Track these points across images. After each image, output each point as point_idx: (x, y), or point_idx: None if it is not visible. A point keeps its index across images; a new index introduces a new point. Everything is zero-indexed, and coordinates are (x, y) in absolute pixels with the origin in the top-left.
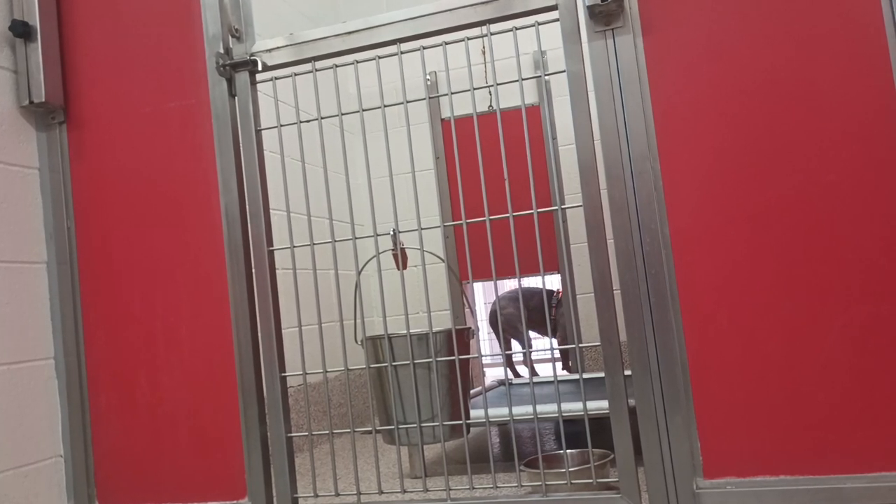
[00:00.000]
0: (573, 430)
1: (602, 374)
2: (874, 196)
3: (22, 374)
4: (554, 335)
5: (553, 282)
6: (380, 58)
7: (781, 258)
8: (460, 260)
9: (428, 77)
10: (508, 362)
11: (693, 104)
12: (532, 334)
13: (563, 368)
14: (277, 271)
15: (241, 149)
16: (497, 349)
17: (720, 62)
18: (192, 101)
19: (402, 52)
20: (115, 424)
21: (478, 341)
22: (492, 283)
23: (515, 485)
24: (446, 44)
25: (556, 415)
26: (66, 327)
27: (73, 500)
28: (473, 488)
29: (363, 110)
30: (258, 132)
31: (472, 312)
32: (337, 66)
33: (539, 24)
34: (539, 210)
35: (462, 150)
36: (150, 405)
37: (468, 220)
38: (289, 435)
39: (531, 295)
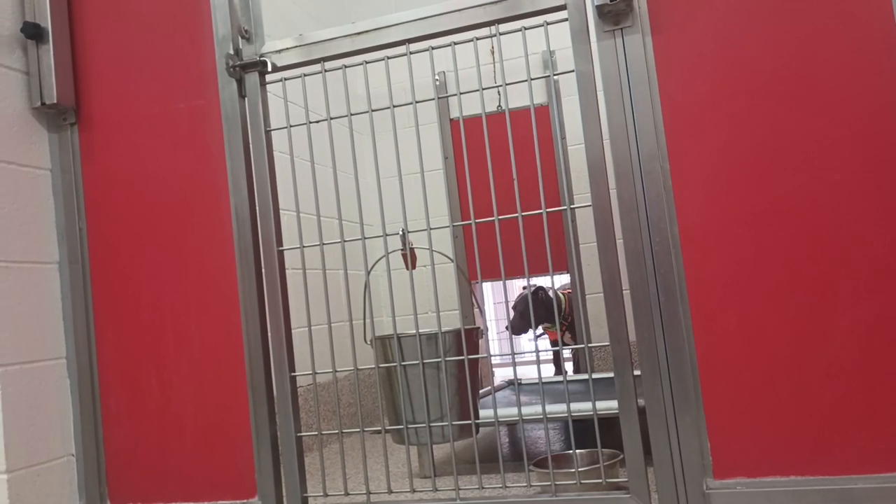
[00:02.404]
0: (582, 430)
1: (611, 374)
2: (880, 195)
3: (34, 374)
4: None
5: (562, 281)
6: (389, 58)
7: (789, 257)
8: (469, 260)
9: (437, 77)
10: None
11: (701, 103)
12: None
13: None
14: (287, 271)
15: (251, 149)
16: (507, 349)
17: (728, 61)
18: (203, 101)
19: (410, 53)
20: (126, 423)
21: (487, 341)
22: (500, 282)
23: (525, 485)
24: (455, 44)
25: (566, 415)
26: (77, 327)
27: (85, 499)
28: (483, 488)
29: (372, 110)
30: (268, 132)
31: (481, 312)
32: (346, 67)
33: (548, 23)
34: (548, 210)
35: (471, 150)
36: (161, 404)
37: (477, 220)
38: (298, 434)
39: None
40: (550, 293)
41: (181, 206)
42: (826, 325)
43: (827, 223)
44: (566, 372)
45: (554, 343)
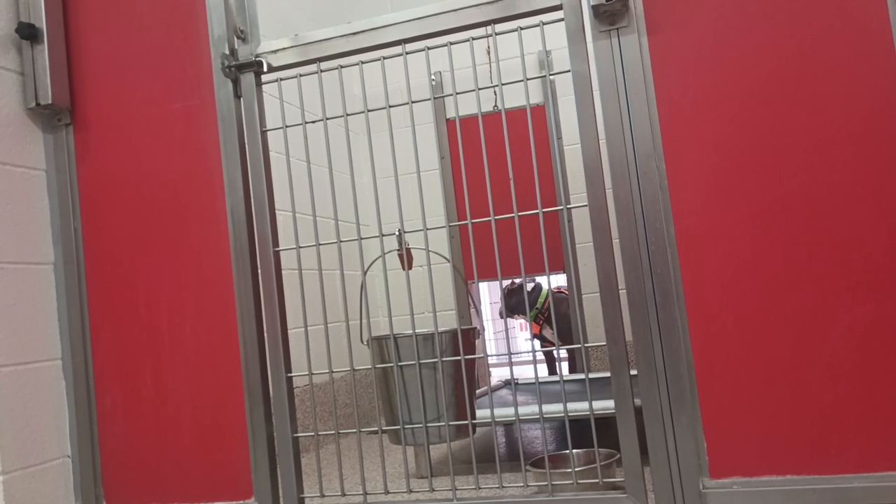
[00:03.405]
0: (579, 430)
1: (608, 374)
2: (878, 195)
3: (29, 375)
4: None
5: (558, 281)
6: (385, 58)
7: (786, 257)
8: (465, 260)
9: (433, 77)
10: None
11: (698, 103)
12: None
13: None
14: (283, 272)
15: (247, 150)
16: (504, 349)
17: (725, 61)
18: (198, 102)
19: (406, 53)
20: (122, 425)
21: (483, 341)
22: (497, 282)
23: (521, 485)
24: (451, 44)
25: (562, 415)
26: (72, 328)
27: (81, 501)
28: (479, 488)
29: (368, 111)
30: (263, 133)
31: (478, 312)
32: (342, 67)
33: (544, 23)
34: (544, 210)
35: (467, 150)
36: (157, 405)
37: (473, 220)
38: (295, 435)
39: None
40: (528, 286)
41: (177, 206)
42: (823, 325)
43: (825, 223)
44: (561, 371)
45: (537, 336)
